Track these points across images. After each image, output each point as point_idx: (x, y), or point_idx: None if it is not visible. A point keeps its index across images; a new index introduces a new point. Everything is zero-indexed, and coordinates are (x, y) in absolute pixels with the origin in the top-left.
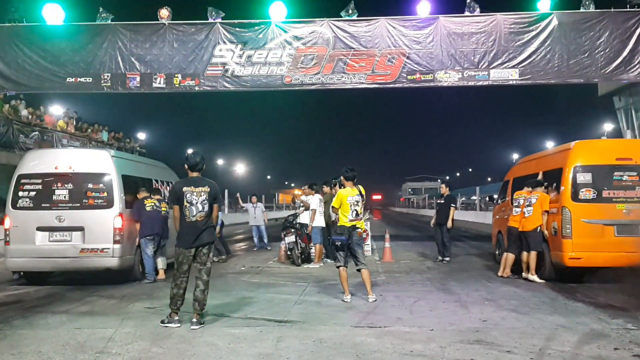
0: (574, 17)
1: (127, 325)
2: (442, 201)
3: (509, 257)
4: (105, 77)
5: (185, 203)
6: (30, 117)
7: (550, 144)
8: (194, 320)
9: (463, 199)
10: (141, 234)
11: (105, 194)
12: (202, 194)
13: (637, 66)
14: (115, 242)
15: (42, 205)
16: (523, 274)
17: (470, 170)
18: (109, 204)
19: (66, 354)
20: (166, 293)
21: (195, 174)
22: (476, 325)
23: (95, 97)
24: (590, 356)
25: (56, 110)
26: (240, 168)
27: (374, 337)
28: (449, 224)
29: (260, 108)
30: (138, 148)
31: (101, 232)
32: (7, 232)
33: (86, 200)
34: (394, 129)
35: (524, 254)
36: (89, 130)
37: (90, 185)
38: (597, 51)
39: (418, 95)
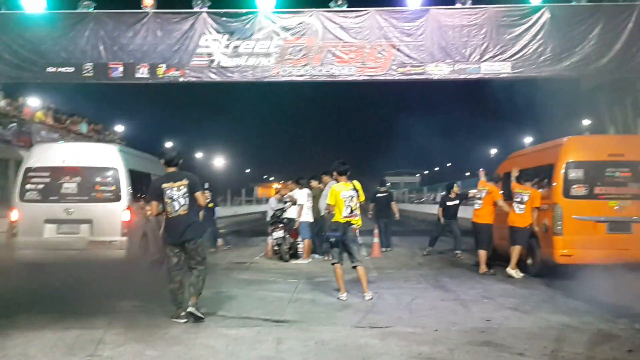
0: (566, 10)
1: (116, 325)
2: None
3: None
4: (87, 67)
5: (167, 199)
6: (8, 108)
7: (528, 140)
8: (191, 302)
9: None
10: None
11: (114, 187)
12: (182, 187)
13: (630, 60)
14: (123, 234)
15: (50, 198)
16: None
17: (448, 165)
18: (117, 197)
19: (55, 357)
20: (153, 290)
21: (172, 169)
22: (480, 326)
23: (75, 88)
24: (605, 359)
25: (33, 102)
26: (219, 161)
27: (377, 338)
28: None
29: (240, 100)
30: (118, 140)
31: (109, 224)
32: (15, 225)
33: (94, 194)
34: (371, 124)
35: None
36: (68, 121)
37: (98, 179)
38: (589, 45)
39: (400, 89)
